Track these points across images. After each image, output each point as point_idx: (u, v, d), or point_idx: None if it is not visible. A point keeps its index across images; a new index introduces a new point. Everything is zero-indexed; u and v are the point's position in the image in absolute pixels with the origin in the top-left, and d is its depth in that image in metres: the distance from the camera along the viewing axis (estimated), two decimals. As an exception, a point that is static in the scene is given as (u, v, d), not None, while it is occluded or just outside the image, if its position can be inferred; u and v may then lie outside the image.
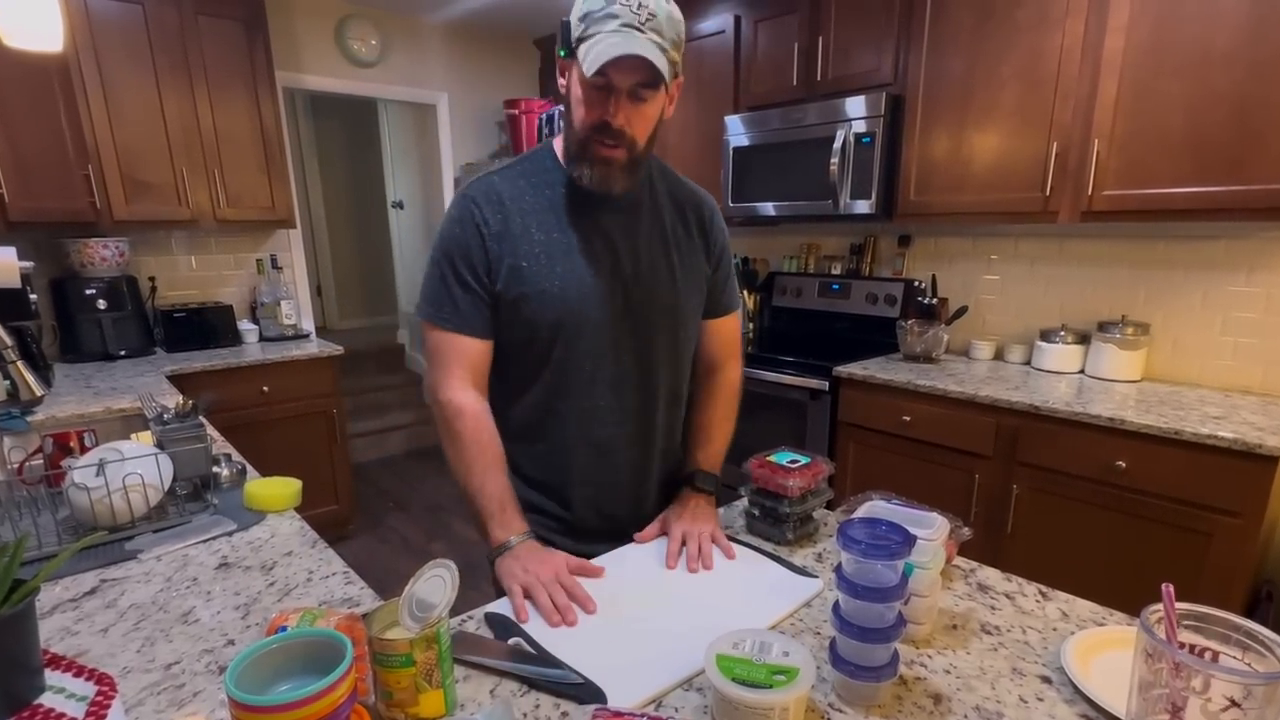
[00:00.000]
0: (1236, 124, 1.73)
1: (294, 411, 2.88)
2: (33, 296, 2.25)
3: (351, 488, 3.21)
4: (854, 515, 0.82)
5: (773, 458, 1.08)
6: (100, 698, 0.69)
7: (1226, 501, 1.64)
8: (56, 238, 2.69)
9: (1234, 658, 0.56)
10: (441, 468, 4.02)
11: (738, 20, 2.80)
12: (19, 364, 1.44)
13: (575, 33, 0.91)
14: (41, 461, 1.31)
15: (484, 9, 3.64)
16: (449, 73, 3.97)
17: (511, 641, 0.80)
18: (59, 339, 2.67)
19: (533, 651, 0.78)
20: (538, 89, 4.30)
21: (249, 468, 1.38)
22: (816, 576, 0.95)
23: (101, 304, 2.67)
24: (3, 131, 2.31)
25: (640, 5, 0.87)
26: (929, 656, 0.78)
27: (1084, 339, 2.27)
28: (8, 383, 1.40)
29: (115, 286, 2.71)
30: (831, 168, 2.47)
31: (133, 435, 1.32)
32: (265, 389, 2.79)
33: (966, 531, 0.96)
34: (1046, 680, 0.73)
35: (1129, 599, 0.98)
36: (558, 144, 1.06)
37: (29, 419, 1.73)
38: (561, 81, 0.99)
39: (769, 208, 2.75)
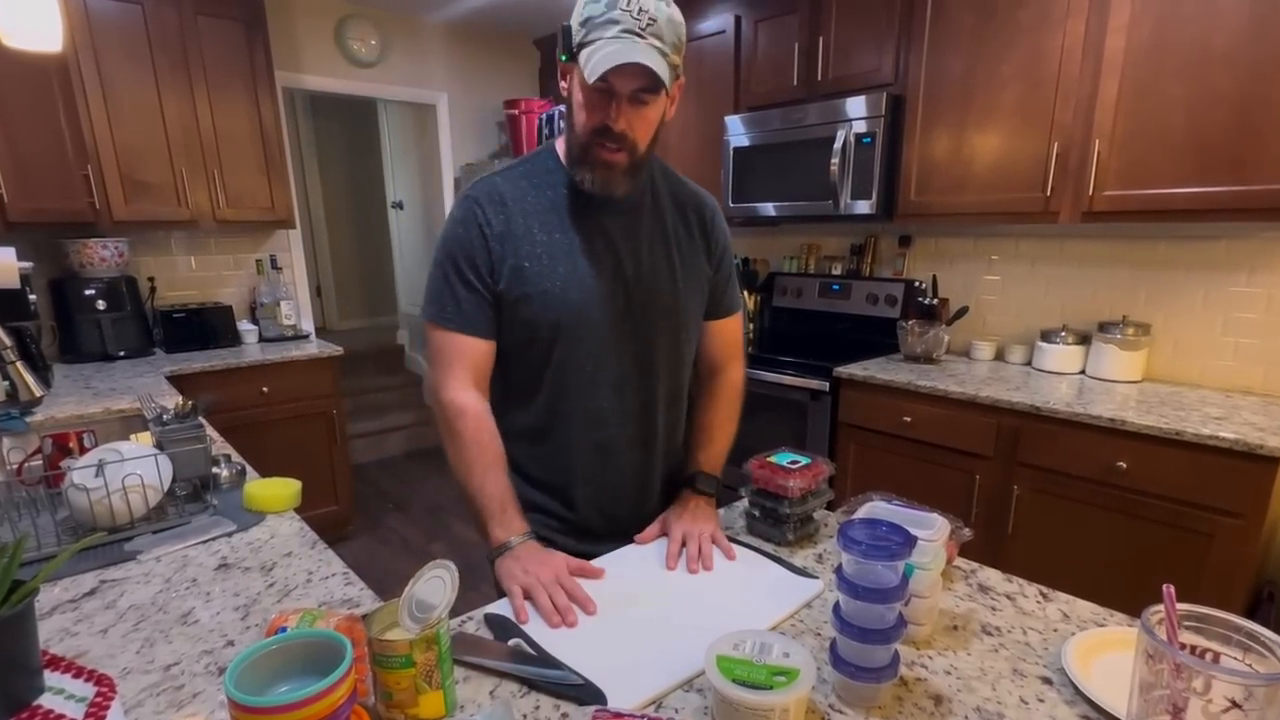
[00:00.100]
0: (1237, 124, 1.73)
1: (293, 412, 2.88)
2: (32, 297, 2.25)
3: (351, 488, 3.21)
4: (854, 516, 0.81)
5: (773, 458, 1.08)
6: (99, 699, 0.69)
7: (1227, 502, 1.64)
8: (56, 238, 2.69)
9: (1235, 659, 0.56)
10: (441, 468, 4.02)
11: (738, 20, 2.80)
12: (18, 364, 1.44)
13: (576, 38, 0.91)
14: (41, 462, 1.31)
15: (484, 9, 3.64)
16: (449, 73, 3.97)
17: (511, 642, 0.80)
18: (58, 339, 2.67)
19: (533, 652, 0.78)
20: (538, 89, 4.30)
21: (248, 468, 1.38)
22: (817, 577, 0.95)
23: (101, 304, 2.67)
24: (2, 132, 2.31)
25: (641, 10, 0.86)
26: (929, 657, 0.78)
27: (1085, 339, 2.27)
28: (7, 383, 1.40)
29: (114, 287, 2.71)
30: (832, 168, 2.47)
31: (132, 436, 1.32)
32: (265, 390, 2.78)
33: (967, 532, 0.96)
34: (1047, 681, 0.73)
35: (1130, 600, 0.98)
36: (559, 145, 1.06)
37: (28, 420, 1.72)
38: (563, 85, 0.99)
39: (769, 208, 2.75)
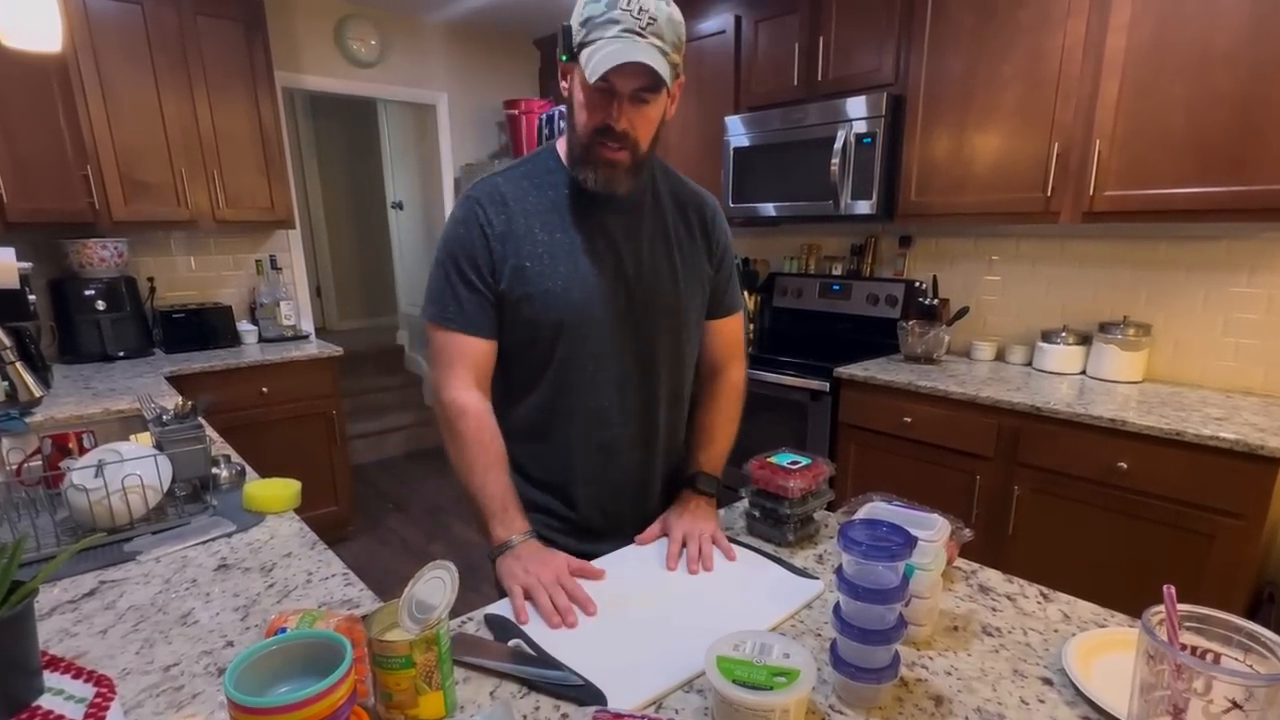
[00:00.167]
0: (1238, 124, 1.73)
1: (293, 413, 2.88)
2: (31, 297, 2.25)
3: (351, 489, 3.21)
4: (855, 517, 0.81)
5: (773, 459, 1.08)
6: (99, 699, 0.69)
7: (1228, 503, 1.64)
8: (55, 238, 2.69)
9: (1236, 659, 0.56)
10: (441, 469, 4.02)
11: (738, 20, 2.80)
12: (18, 365, 1.44)
13: (576, 38, 0.91)
14: (40, 463, 1.30)
15: (484, 9, 3.64)
16: (449, 73, 3.97)
17: (511, 643, 0.80)
18: (58, 340, 2.67)
19: (533, 653, 0.78)
20: (538, 89, 4.29)
21: (248, 469, 1.38)
22: (817, 578, 0.95)
23: (100, 305, 2.67)
24: (2, 132, 2.30)
25: (641, 10, 0.87)
26: (930, 658, 0.78)
27: (1085, 340, 2.27)
28: (6, 384, 1.40)
29: (114, 287, 2.71)
30: (832, 168, 2.47)
31: (132, 436, 1.32)
32: (264, 390, 2.78)
33: (968, 533, 0.96)
34: (1048, 682, 0.73)
35: (1130, 600, 0.98)
36: (560, 145, 1.06)
37: (27, 420, 1.72)
38: (563, 85, 0.99)
39: (769, 208, 2.75)
